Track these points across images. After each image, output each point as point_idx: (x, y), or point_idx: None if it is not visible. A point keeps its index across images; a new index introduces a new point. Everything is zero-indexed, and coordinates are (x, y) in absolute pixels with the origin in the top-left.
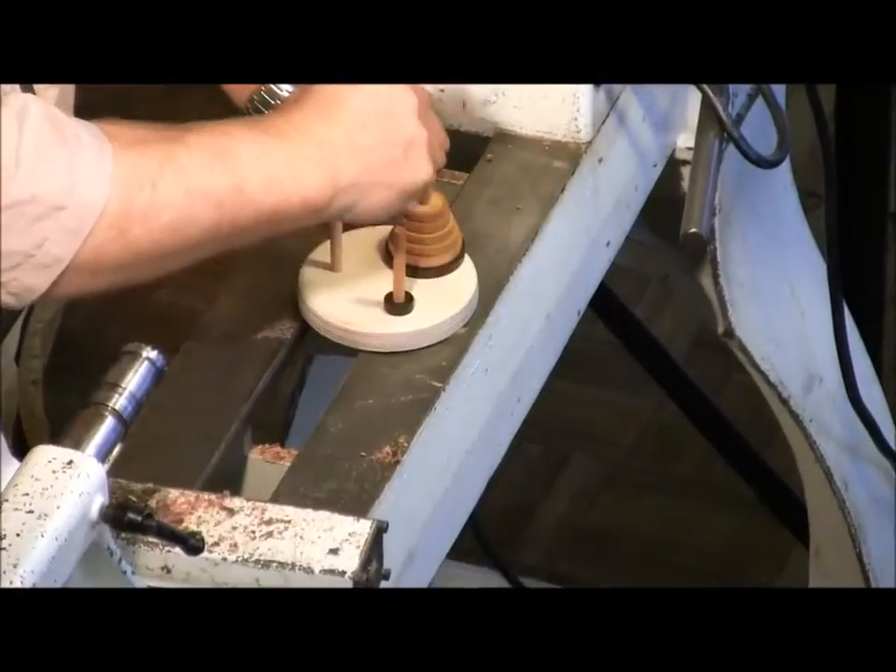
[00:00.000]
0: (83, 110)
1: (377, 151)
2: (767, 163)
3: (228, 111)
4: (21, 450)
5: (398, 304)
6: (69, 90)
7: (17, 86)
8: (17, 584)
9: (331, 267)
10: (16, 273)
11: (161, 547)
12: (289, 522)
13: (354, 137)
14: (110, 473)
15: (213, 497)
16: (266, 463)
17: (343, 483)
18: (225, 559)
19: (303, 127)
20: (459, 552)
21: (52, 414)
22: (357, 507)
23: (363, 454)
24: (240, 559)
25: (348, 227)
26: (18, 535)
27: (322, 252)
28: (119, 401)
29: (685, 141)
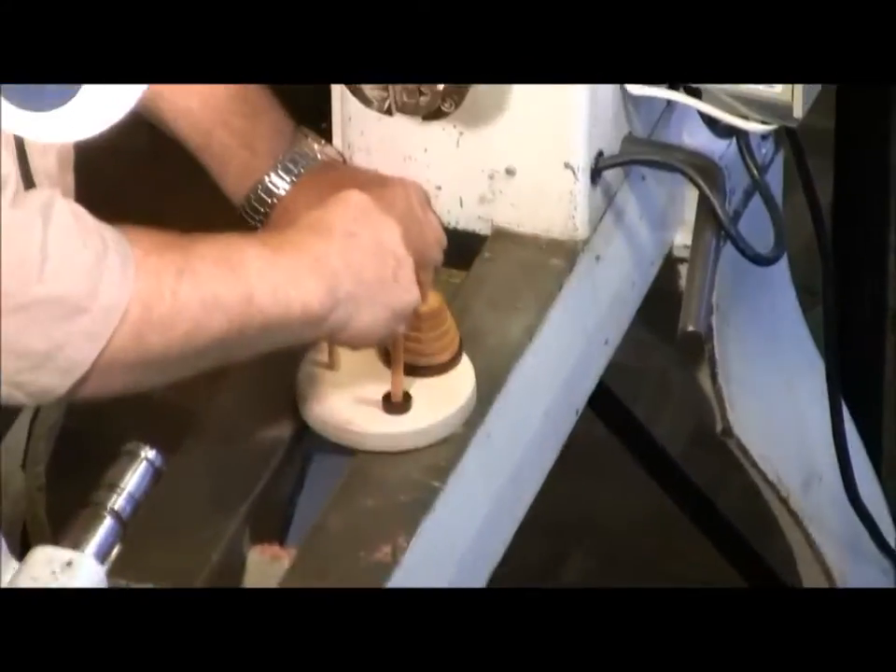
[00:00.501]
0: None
1: (369, 269)
2: (765, 261)
3: (220, 209)
4: (25, 553)
5: (396, 404)
6: (69, 191)
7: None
8: None
9: (329, 366)
10: (36, 374)
11: None
12: None
13: (347, 255)
14: (109, 573)
15: None
16: (265, 563)
17: (341, 584)
18: None
19: (300, 243)
20: None
21: (53, 513)
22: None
23: (362, 554)
24: None
25: None
26: None
27: (320, 351)
28: (118, 502)
29: (682, 238)
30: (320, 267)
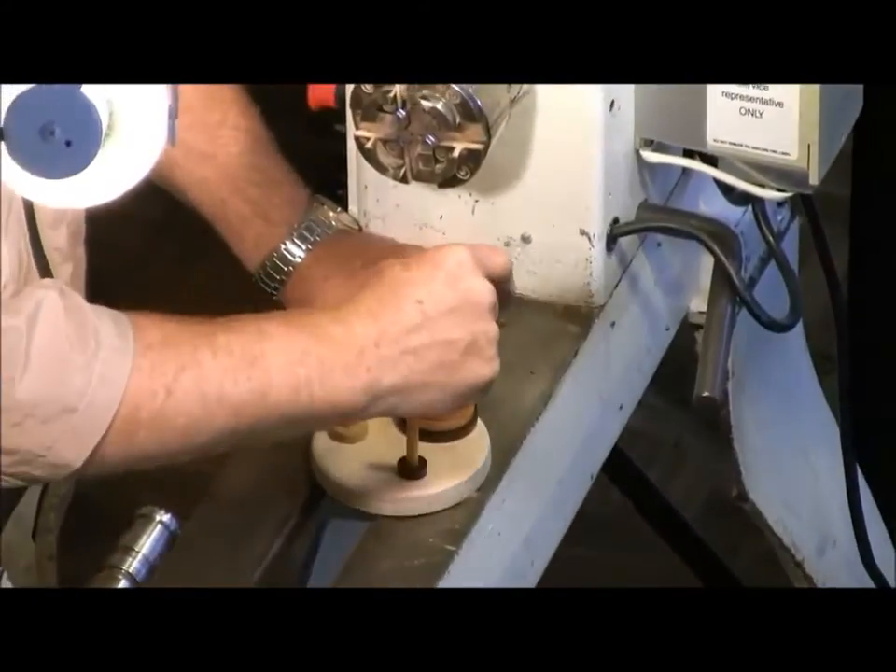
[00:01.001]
0: (96, 274)
1: (429, 355)
2: (780, 327)
3: (237, 278)
4: None
5: (411, 469)
6: (80, 264)
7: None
8: None
9: (348, 438)
10: (25, 468)
11: None
12: None
13: (404, 340)
14: None
15: None
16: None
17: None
18: None
19: (349, 327)
20: None
21: (63, 583)
22: None
23: None
24: None
25: None
26: None
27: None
28: (133, 564)
29: (698, 305)
30: (362, 362)
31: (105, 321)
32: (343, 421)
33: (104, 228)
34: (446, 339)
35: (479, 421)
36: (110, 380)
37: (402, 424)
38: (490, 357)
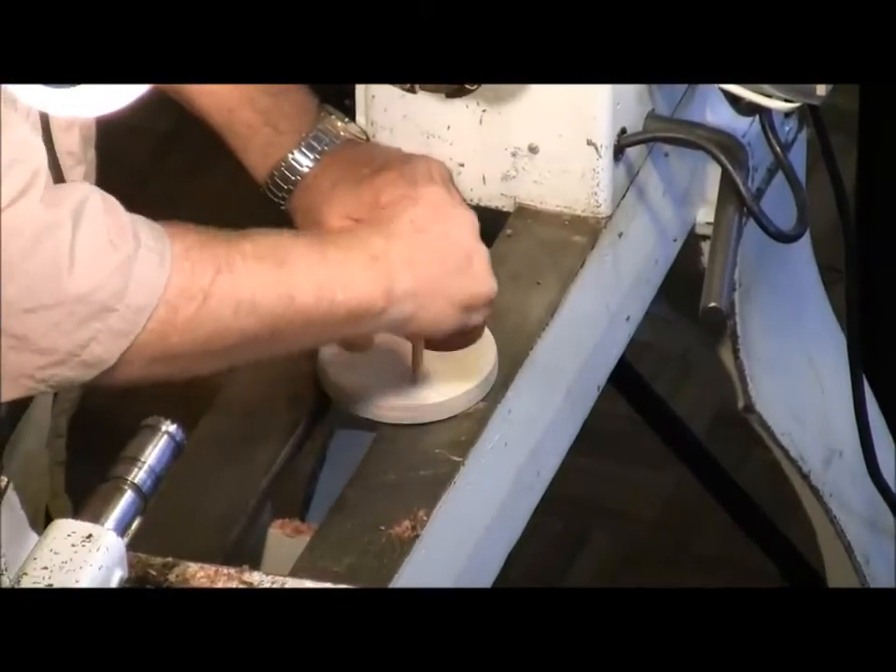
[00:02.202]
0: (104, 186)
1: (432, 265)
2: (787, 238)
3: (244, 188)
4: None
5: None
6: (92, 168)
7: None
8: None
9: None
10: (59, 369)
11: None
12: None
13: (409, 251)
14: (129, 547)
15: (232, 571)
16: (286, 537)
17: (362, 558)
18: None
19: (360, 239)
20: None
21: (73, 488)
22: (376, 581)
23: (382, 528)
24: None
25: None
26: None
27: None
28: (139, 475)
29: (705, 216)
30: (376, 265)
31: (141, 224)
32: (360, 328)
33: (112, 139)
34: (447, 254)
35: (486, 329)
36: (149, 281)
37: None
38: (488, 275)
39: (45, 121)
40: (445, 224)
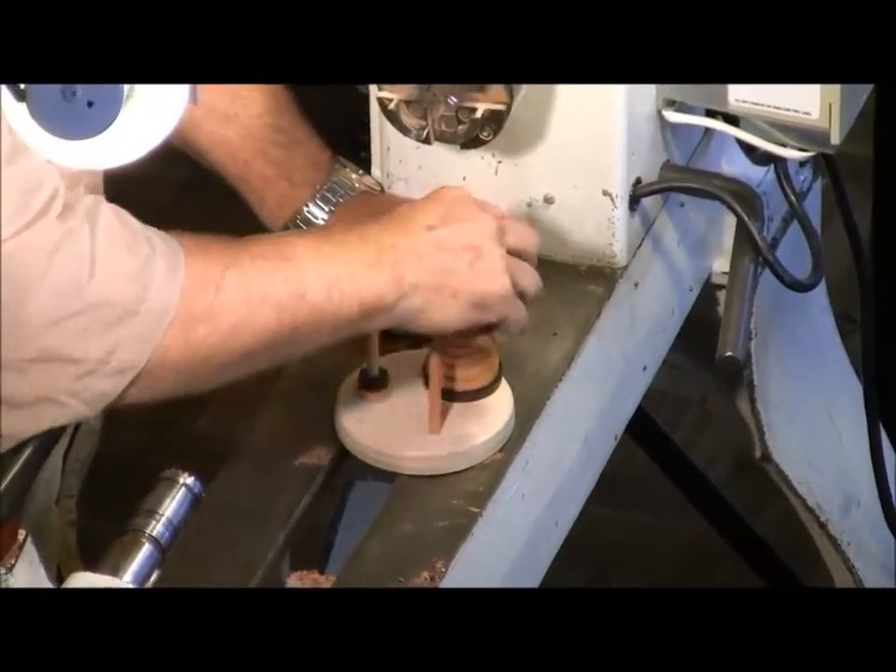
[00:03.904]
0: None
1: (438, 260)
2: (802, 287)
3: (239, 211)
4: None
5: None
6: (98, 182)
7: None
8: None
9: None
10: (91, 379)
11: None
12: None
13: (416, 246)
14: None
15: None
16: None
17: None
18: None
19: (366, 235)
20: None
21: (85, 546)
22: None
23: (401, 579)
24: None
25: (385, 350)
26: None
27: (358, 376)
28: (157, 528)
29: (721, 265)
30: (384, 258)
31: (152, 231)
32: (373, 322)
33: (128, 190)
34: (454, 251)
35: (503, 380)
36: (167, 283)
37: (426, 382)
38: (499, 273)
39: None
40: (456, 222)
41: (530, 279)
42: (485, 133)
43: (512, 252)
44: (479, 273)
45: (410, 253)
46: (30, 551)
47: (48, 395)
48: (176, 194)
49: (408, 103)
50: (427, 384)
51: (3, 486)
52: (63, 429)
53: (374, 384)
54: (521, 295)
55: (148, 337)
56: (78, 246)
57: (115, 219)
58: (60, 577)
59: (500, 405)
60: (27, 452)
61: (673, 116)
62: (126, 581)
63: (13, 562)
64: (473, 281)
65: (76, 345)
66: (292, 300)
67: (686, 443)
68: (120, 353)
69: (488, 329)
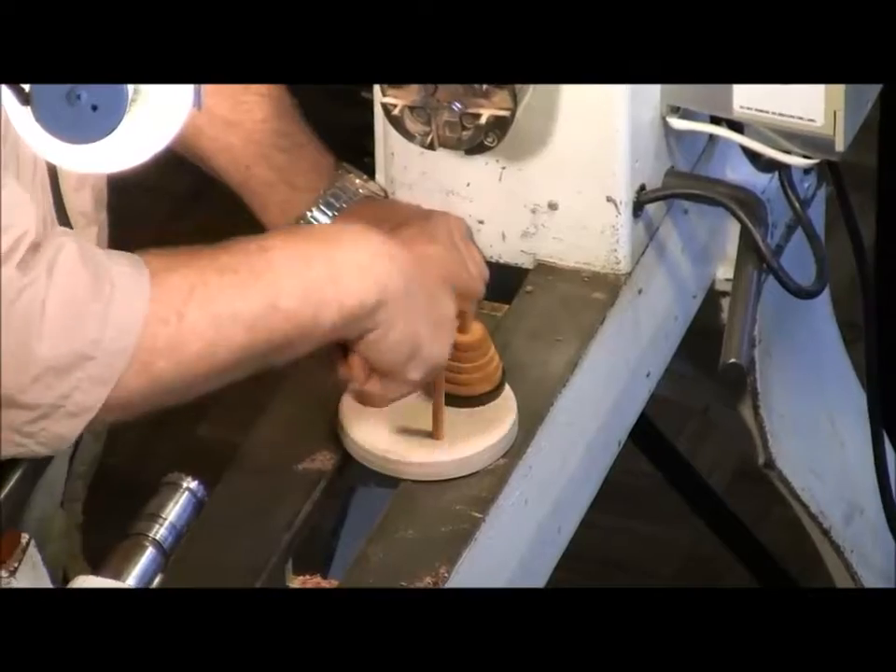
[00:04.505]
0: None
1: (424, 282)
2: (806, 294)
3: (242, 221)
4: None
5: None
6: (104, 229)
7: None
8: None
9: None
10: (44, 423)
11: None
12: None
13: (411, 261)
14: None
15: None
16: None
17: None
18: None
19: (360, 237)
20: None
21: (91, 551)
22: None
23: (403, 584)
24: None
25: None
26: None
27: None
28: (160, 532)
29: (724, 272)
30: (373, 264)
31: (118, 261)
32: (354, 326)
33: (131, 199)
34: (439, 287)
35: (506, 386)
36: (125, 325)
37: (429, 388)
38: (448, 341)
39: (55, 181)
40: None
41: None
42: (490, 140)
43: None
44: (437, 328)
45: (400, 266)
46: (33, 554)
47: (2, 436)
48: (178, 205)
49: (412, 108)
50: (430, 389)
51: (4, 493)
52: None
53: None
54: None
55: (105, 379)
56: (34, 297)
57: (77, 260)
58: (66, 580)
59: (504, 411)
60: (28, 460)
61: (677, 122)
62: (129, 585)
63: (16, 565)
64: (438, 307)
65: (28, 393)
66: (266, 312)
67: (689, 451)
68: (76, 396)
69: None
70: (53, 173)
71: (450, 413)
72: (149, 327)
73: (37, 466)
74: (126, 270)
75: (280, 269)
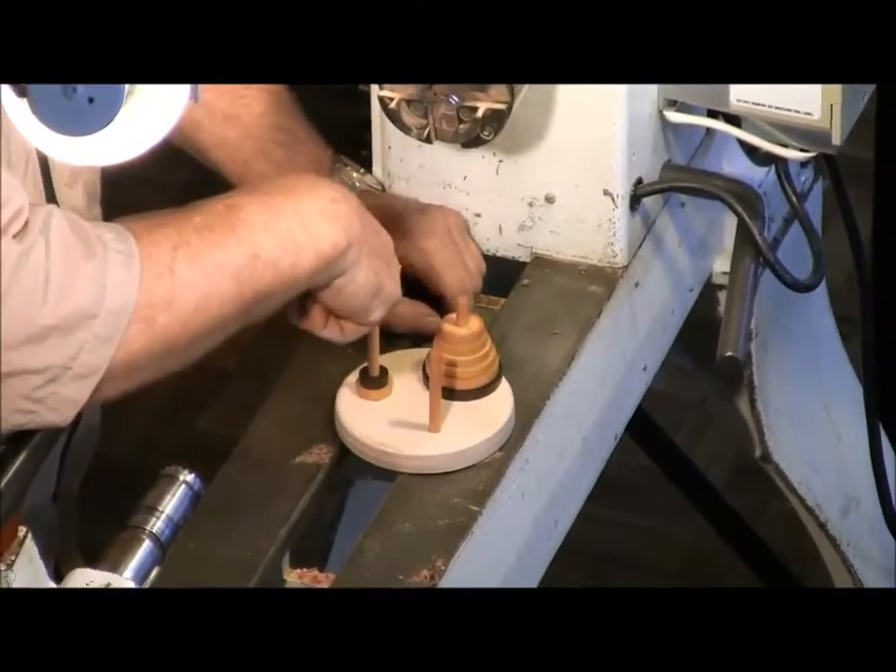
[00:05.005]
0: None
1: (377, 228)
2: (803, 287)
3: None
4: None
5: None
6: (97, 217)
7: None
8: None
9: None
10: (54, 386)
11: None
12: None
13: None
14: None
15: None
16: (304, 587)
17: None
18: None
19: (314, 187)
20: None
21: (90, 543)
22: None
23: (400, 577)
24: None
25: (386, 349)
26: None
27: (358, 375)
28: (157, 525)
29: (721, 265)
30: (335, 209)
31: (101, 227)
32: (332, 269)
33: (129, 192)
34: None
35: (503, 379)
36: (124, 279)
37: (427, 381)
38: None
39: (47, 177)
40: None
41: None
42: (486, 133)
43: None
44: (392, 269)
45: (354, 209)
46: (30, 547)
47: (13, 405)
48: (176, 197)
49: (409, 102)
50: (427, 382)
51: (3, 483)
52: (63, 427)
53: (375, 383)
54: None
55: (110, 337)
56: (35, 263)
57: (67, 227)
58: (58, 573)
59: (500, 404)
60: (27, 449)
61: (674, 116)
62: (126, 577)
63: (13, 558)
64: (389, 271)
65: (36, 356)
66: (248, 262)
67: (686, 445)
68: (83, 356)
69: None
70: (45, 168)
71: (447, 407)
72: (145, 282)
73: (38, 455)
74: (112, 235)
75: (253, 223)
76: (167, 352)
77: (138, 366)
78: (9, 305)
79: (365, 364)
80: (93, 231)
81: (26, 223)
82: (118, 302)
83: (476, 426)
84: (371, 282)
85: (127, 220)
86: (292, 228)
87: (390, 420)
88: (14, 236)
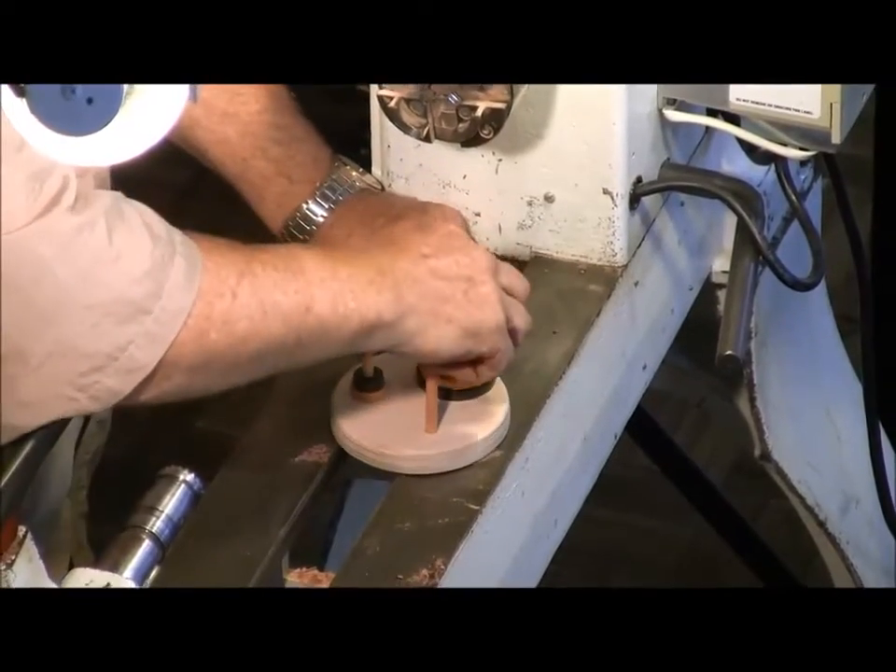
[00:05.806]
0: None
1: (434, 287)
2: (803, 286)
3: (240, 214)
4: None
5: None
6: (105, 177)
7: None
8: None
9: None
10: (99, 375)
11: None
12: None
13: (413, 270)
14: None
15: None
16: (304, 586)
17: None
18: None
19: (367, 255)
20: None
21: (96, 540)
22: None
23: (400, 577)
24: None
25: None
26: None
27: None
28: (157, 524)
29: (721, 265)
30: (383, 280)
31: (174, 229)
32: (372, 341)
33: (129, 192)
34: (449, 280)
35: (498, 379)
36: (184, 284)
37: (423, 381)
38: (493, 303)
39: None
40: (453, 253)
41: (522, 318)
42: (486, 132)
43: (505, 291)
44: (473, 302)
45: (407, 276)
46: (29, 547)
47: (56, 390)
48: (177, 197)
49: (408, 101)
50: (422, 383)
51: (3, 482)
52: (64, 425)
53: (370, 384)
54: (511, 332)
55: (162, 337)
56: (93, 240)
57: (136, 217)
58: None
59: (496, 403)
60: (27, 448)
61: (674, 115)
62: (126, 577)
63: (13, 558)
64: (468, 309)
65: (86, 338)
66: (299, 310)
67: (686, 444)
68: (133, 351)
69: (475, 362)
70: None
71: (443, 407)
72: (208, 296)
73: (38, 454)
74: (184, 238)
75: (311, 275)
76: (206, 367)
77: (177, 373)
78: (61, 278)
79: (359, 365)
80: (168, 230)
81: (86, 199)
82: (175, 304)
83: (473, 425)
84: (453, 335)
85: (196, 236)
86: (343, 291)
87: (386, 421)
88: (69, 209)
